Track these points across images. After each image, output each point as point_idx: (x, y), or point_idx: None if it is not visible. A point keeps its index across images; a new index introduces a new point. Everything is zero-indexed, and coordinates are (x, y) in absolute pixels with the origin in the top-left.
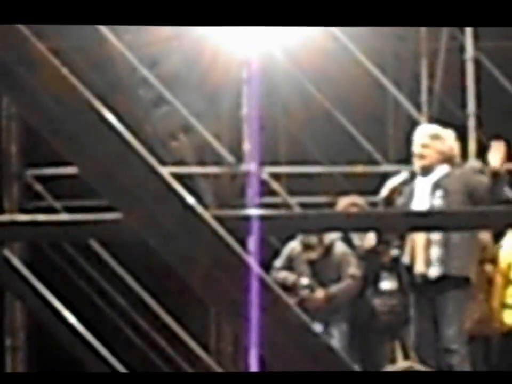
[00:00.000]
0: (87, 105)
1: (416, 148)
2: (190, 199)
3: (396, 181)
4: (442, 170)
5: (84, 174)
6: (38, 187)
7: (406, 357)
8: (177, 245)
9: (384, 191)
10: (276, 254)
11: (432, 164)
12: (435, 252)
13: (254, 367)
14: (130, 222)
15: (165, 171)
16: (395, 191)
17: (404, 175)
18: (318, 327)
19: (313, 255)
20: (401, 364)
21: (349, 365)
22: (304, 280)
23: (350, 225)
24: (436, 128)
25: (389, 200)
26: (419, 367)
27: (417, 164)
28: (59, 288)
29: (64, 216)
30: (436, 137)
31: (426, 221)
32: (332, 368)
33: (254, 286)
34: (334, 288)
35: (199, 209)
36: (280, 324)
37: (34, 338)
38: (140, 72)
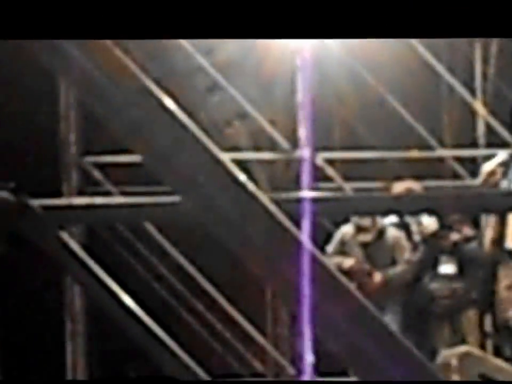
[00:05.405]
0: (146, 91)
1: None
2: (248, 183)
3: (492, 164)
4: None
5: (143, 159)
6: (97, 174)
7: (463, 341)
8: (234, 227)
9: (481, 175)
10: (329, 237)
11: None
12: None
13: (308, 347)
14: (189, 205)
15: (224, 156)
16: (492, 173)
17: (501, 157)
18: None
19: (368, 237)
20: (459, 349)
21: (406, 345)
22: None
23: (402, 207)
24: None
25: (487, 184)
26: (477, 352)
27: None
28: (117, 272)
29: (121, 199)
30: None
31: (483, 202)
32: (387, 348)
33: (309, 264)
34: (390, 272)
35: (256, 191)
36: (336, 302)
37: (94, 323)
38: (195, 59)
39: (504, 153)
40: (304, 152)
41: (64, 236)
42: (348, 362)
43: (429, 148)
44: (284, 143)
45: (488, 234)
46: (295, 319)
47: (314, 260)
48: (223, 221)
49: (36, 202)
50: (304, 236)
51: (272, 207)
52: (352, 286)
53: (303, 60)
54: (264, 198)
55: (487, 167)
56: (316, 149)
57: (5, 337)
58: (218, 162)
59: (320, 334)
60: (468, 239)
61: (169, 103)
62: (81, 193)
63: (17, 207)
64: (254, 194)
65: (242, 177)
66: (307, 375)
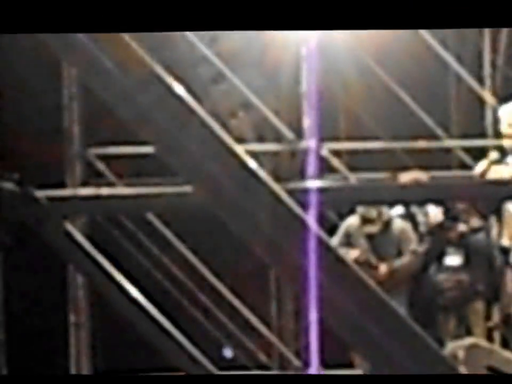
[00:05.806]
0: (155, 78)
1: (504, 128)
2: (260, 171)
3: (484, 164)
4: None
5: (155, 148)
6: (100, 166)
7: (469, 333)
8: (243, 212)
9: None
10: (334, 229)
11: None
12: None
13: (314, 328)
14: (200, 194)
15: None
16: (485, 174)
17: (492, 156)
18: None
19: (374, 228)
20: (465, 341)
21: (410, 324)
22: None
23: (409, 197)
24: None
25: None
26: (484, 343)
27: (507, 143)
28: (120, 263)
29: (125, 190)
30: None
31: (490, 191)
32: (392, 328)
33: (315, 248)
34: (396, 263)
35: (266, 177)
36: (341, 284)
37: (98, 314)
38: (199, 49)
39: (495, 153)
40: (310, 143)
41: (69, 226)
42: (356, 347)
43: (436, 137)
44: (289, 133)
45: (496, 225)
46: (302, 310)
47: (322, 245)
48: (232, 207)
49: (40, 193)
50: (312, 222)
51: (282, 193)
52: (361, 272)
53: (308, 49)
54: (273, 185)
55: (479, 167)
56: (321, 139)
57: (8, 330)
58: (228, 149)
59: (327, 318)
60: (474, 230)
61: (178, 89)
62: (84, 184)
63: (22, 198)
64: (264, 181)
65: (252, 163)
66: (313, 367)
